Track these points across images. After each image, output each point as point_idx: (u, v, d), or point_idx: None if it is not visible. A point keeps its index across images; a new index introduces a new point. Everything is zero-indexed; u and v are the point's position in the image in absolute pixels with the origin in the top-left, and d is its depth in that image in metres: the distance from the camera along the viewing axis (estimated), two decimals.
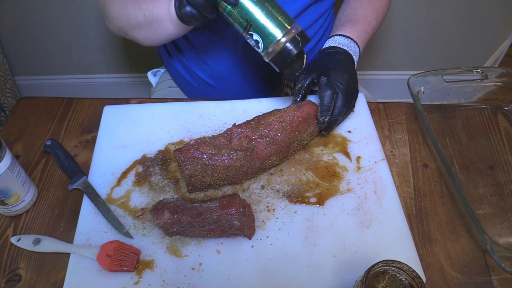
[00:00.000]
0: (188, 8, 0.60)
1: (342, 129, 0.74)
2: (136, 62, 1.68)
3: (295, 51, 0.61)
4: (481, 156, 0.72)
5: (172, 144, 0.72)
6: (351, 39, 0.76)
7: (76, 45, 1.61)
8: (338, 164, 0.69)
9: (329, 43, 0.76)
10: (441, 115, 0.78)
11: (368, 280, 0.46)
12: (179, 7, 0.62)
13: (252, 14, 0.59)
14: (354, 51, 0.75)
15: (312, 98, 0.74)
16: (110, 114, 0.77)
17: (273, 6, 0.59)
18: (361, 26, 0.79)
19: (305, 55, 0.64)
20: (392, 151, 0.73)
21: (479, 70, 0.76)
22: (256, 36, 0.60)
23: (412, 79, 0.74)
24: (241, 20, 0.60)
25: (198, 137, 0.67)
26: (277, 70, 0.64)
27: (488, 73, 0.76)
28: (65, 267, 0.58)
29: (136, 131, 0.74)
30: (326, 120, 0.67)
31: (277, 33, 0.59)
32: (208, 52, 0.85)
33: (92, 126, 0.77)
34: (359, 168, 0.69)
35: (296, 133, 0.67)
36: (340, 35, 0.76)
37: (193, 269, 0.57)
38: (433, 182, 0.69)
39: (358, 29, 0.78)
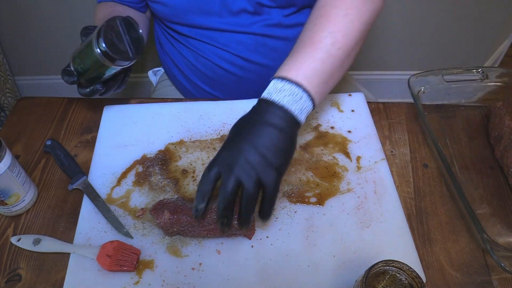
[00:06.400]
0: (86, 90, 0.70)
1: (342, 129, 0.74)
2: (136, 62, 1.67)
3: (103, 51, 0.67)
4: (481, 156, 0.72)
5: (172, 144, 0.72)
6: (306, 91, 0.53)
7: (76, 45, 1.60)
8: (338, 164, 0.69)
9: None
10: (441, 115, 0.78)
11: (368, 280, 0.46)
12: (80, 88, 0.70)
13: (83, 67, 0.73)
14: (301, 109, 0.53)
15: None
16: (110, 114, 0.77)
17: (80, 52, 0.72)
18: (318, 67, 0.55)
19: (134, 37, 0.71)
20: (392, 151, 0.73)
21: (480, 70, 0.76)
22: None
23: (412, 79, 0.74)
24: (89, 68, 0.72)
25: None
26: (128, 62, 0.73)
27: (489, 73, 0.76)
28: (65, 267, 0.58)
29: (136, 131, 0.74)
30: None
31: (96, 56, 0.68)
32: (199, 58, 0.86)
33: (92, 126, 0.77)
34: (359, 168, 0.69)
35: None
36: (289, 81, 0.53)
37: (193, 269, 0.57)
38: (433, 182, 0.69)
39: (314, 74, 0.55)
